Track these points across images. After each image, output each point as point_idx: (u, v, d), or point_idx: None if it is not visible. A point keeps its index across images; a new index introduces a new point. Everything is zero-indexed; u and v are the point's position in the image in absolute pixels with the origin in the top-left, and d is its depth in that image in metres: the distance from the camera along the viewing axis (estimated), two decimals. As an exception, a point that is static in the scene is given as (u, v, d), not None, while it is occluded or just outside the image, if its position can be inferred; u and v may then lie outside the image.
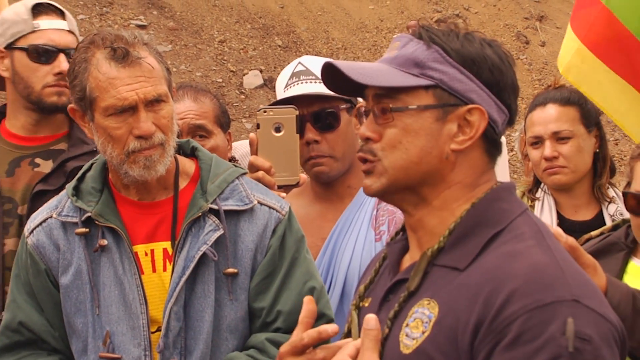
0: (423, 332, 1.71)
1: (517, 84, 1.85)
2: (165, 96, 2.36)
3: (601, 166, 3.47)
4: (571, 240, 2.19)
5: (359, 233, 2.92)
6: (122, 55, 2.31)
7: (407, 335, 1.73)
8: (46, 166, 3.17)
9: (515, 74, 1.84)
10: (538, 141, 3.45)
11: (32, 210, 2.80)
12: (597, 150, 3.47)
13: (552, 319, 1.62)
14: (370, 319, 1.70)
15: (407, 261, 1.87)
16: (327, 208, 3.02)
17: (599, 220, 3.44)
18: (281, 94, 3.00)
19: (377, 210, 2.92)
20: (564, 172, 3.41)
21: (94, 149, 2.82)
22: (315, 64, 3.00)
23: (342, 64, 1.80)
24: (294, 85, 2.97)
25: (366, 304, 1.89)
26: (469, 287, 1.69)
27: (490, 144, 1.82)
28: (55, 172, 3.12)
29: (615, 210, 3.46)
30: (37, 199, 3.03)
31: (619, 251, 2.82)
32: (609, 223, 3.37)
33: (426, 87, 1.78)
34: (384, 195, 1.83)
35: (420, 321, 1.72)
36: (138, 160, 2.35)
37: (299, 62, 3.03)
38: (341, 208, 2.98)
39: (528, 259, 1.69)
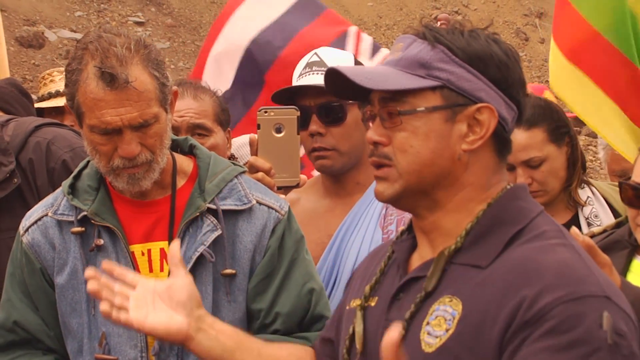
0: (447, 330, 1.70)
1: (524, 79, 1.83)
2: (153, 118, 2.29)
3: (571, 173, 3.42)
4: (588, 239, 2.17)
5: (366, 231, 2.88)
6: (108, 79, 2.24)
7: (429, 334, 1.71)
8: None
9: (522, 69, 1.82)
10: (510, 168, 3.39)
11: None
12: (569, 156, 3.42)
13: (587, 312, 1.62)
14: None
15: (416, 260, 1.84)
16: (335, 203, 2.99)
17: (575, 224, 3.40)
18: (295, 82, 2.99)
19: (386, 209, 2.88)
20: (539, 194, 3.36)
21: None
22: (330, 55, 2.98)
23: (347, 69, 1.78)
24: (306, 75, 2.95)
25: (372, 304, 1.86)
26: (494, 282, 1.69)
27: (500, 142, 1.81)
28: None
29: (590, 212, 3.43)
30: None
31: (623, 249, 2.80)
32: (584, 226, 3.35)
33: (433, 88, 1.76)
34: (397, 201, 1.80)
35: (443, 319, 1.71)
36: (122, 175, 2.32)
37: (315, 53, 3.01)
38: (350, 204, 2.95)
39: (556, 255, 1.69)
